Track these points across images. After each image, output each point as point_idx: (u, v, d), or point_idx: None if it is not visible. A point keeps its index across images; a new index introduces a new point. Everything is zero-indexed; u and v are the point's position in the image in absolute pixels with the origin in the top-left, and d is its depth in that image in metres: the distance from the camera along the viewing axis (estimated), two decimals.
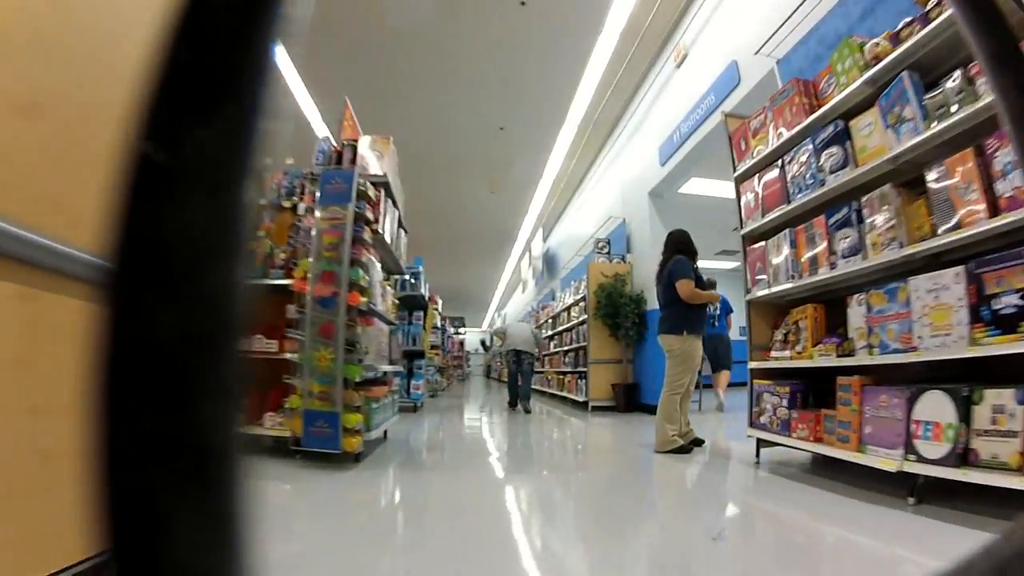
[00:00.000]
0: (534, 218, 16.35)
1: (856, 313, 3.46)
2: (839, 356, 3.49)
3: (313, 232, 4.80)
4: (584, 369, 10.05)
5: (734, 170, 4.70)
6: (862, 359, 3.32)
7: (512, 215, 16.14)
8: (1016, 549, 0.37)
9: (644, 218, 9.41)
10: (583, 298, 10.34)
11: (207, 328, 0.21)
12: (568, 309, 12.02)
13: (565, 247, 15.53)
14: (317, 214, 4.84)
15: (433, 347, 14.27)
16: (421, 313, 10.10)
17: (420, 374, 9.75)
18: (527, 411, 9.56)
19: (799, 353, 3.84)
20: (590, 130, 10.61)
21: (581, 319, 10.46)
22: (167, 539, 0.20)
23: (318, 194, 4.95)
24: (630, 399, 9.06)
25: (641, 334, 9.18)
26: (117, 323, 0.21)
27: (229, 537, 0.21)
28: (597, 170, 12.40)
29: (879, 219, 3.35)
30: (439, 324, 15.78)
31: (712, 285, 6.04)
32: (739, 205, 4.62)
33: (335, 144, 5.39)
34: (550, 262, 17.75)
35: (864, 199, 3.45)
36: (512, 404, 9.98)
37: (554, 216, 17.02)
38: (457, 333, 27.37)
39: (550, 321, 14.43)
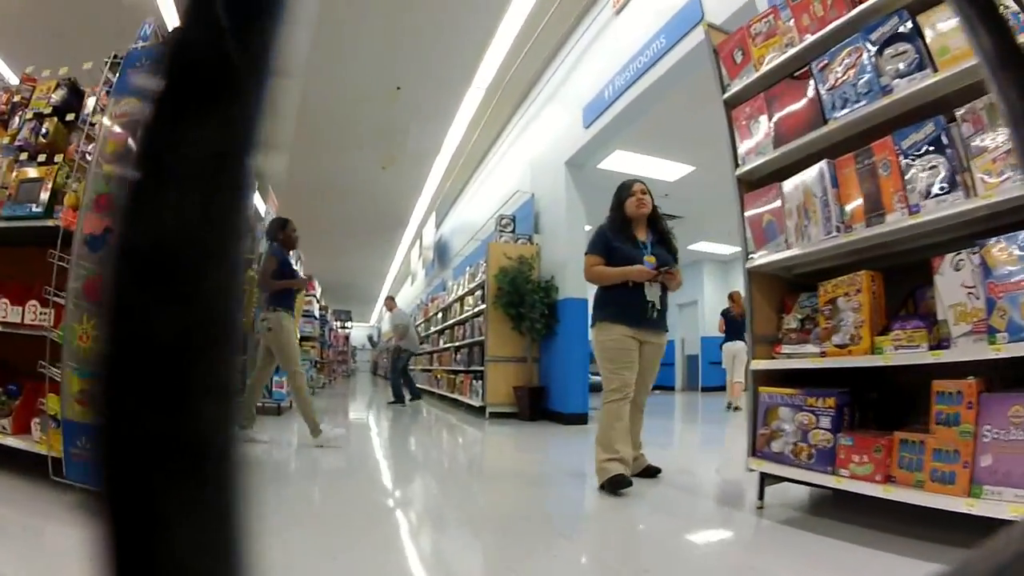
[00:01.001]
0: (428, 201, 14.70)
1: (950, 282, 2.19)
2: (931, 349, 2.20)
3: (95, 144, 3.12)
4: (480, 368, 8.60)
5: (723, 92, 3.37)
6: (971, 350, 2.06)
7: (405, 196, 14.41)
8: (1016, 550, 0.38)
9: (558, 193, 8.08)
10: (480, 285, 8.87)
11: (205, 328, 0.21)
12: (461, 299, 10.51)
13: (460, 235, 14.02)
14: (106, 114, 3.15)
15: (306, 338, 12.40)
16: None
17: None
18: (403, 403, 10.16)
19: (843, 347, 2.53)
20: (500, 94, 9.16)
21: (477, 309, 8.98)
22: (166, 538, 0.20)
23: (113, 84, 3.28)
24: (536, 405, 7.68)
25: (550, 327, 7.84)
26: (117, 323, 0.21)
27: (227, 536, 0.21)
28: (503, 143, 10.98)
29: (992, 139, 2.11)
30: (317, 313, 13.88)
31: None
32: (731, 137, 3.31)
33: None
34: (442, 251, 16.20)
35: (963, 110, 2.20)
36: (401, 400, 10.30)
37: (449, 200, 15.45)
38: (344, 327, 25.71)
39: (439, 315, 12.90)
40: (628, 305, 3.56)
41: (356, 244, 19.25)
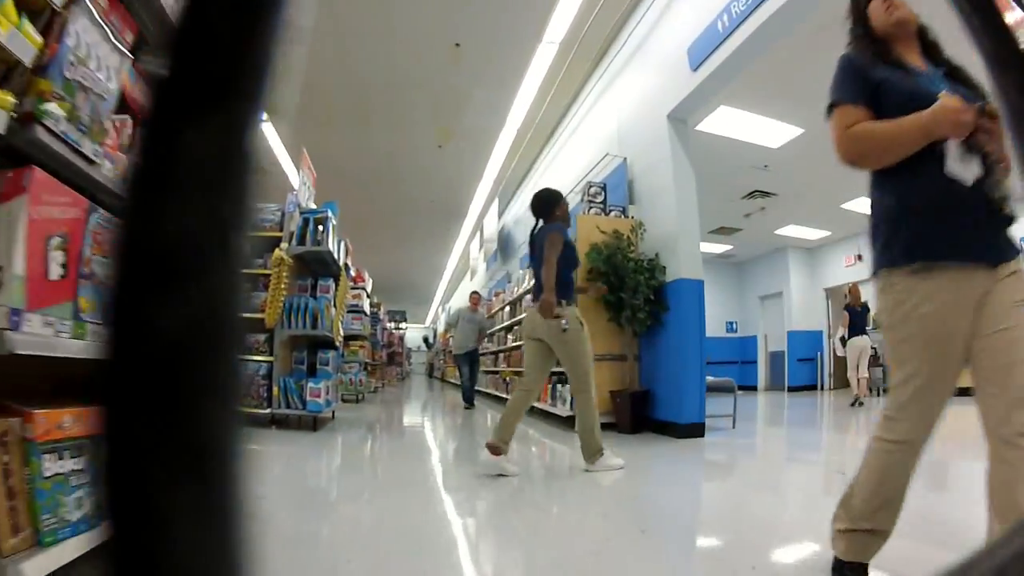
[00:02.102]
0: (490, 185, 13.26)
1: None
2: None
3: None
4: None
5: None
6: None
7: (464, 180, 13.00)
8: (1016, 550, 0.38)
9: (660, 153, 6.52)
10: None
11: (206, 327, 0.22)
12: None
13: (526, 223, 12.54)
14: None
15: (355, 337, 11.10)
16: (331, 284, 6.98)
17: (326, 372, 6.61)
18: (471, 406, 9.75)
19: None
20: (577, 48, 7.67)
21: None
22: (166, 538, 0.20)
23: None
24: (639, 414, 6.12)
25: (656, 316, 6.28)
26: (118, 322, 0.21)
27: (228, 537, 0.21)
28: (580, 109, 9.42)
29: None
30: (368, 309, 12.59)
31: None
32: None
33: None
34: (505, 242, 14.76)
35: None
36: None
37: (514, 184, 13.98)
38: (398, 328, 24.94)
39: (506, 309, 11.42)
40: (952, 209, 1.71)
41: (409, 237, 17.96)
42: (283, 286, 5.82)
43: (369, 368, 13.09)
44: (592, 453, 4.02)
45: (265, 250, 6.11)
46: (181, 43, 0.22)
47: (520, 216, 13.48)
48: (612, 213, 7.19)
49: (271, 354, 6.20)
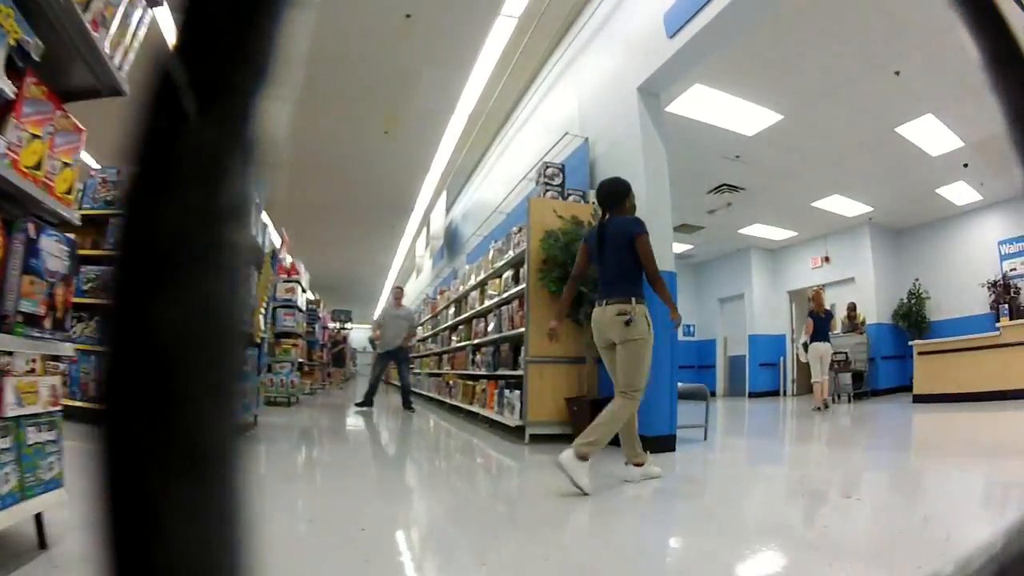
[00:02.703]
0: (438, 176, 12.34)
1: None
2: None
3: None
4: (514, 373, 6.24)
5: None
6: None
7: (411, 170, 12.02)
8: (1017, 550, 0.38)
9: (627, 130, 5.76)
10: (517, 260, 6.50)
11: (205, 328, 0.22)
12: (482, 284, 8.12)
13: (475, 218, 11.71)
14: None
15: (287, 335, 10.08)
16: (252, 272, 5.99)
17: (248, 375, 5.65)
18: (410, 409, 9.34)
19: None
20: (538, 22, 6.87)
21: (510, 293, 6.61)
22: (166, 538, 0.20)
23: None
24: None
25: None
26: (118, 322, 0.21)
27: (227, 536, 0.21)
28: (539, 89, 8.60)
29: None
30: (304, 305, 11.54)
31: None
32: None
33: None
34: (453, 238, 13.89)
35: None
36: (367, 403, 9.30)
37: (464, 174, 13.05)
38: (344, 328, 23.86)
39: (451, 308, 10.54)
40: None
41: (354, 233, 16.89)
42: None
43: (306, 368, 12.04)
44: (589, 447, 3.45)
45: None
46: (179, 41, 0.22)
47: (469, 211, 12.64)
48: (571, 198, 6.38)
49: None
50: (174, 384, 0.20)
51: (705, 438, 5.82)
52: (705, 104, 7.25)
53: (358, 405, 9.45)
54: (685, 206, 10.75)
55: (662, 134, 5.65)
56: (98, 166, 6.39)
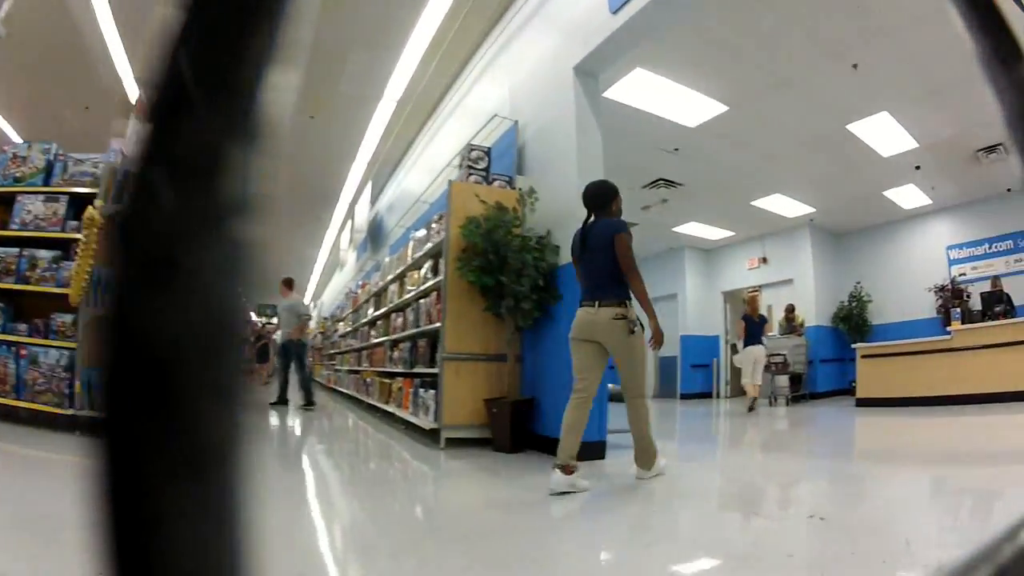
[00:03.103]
0: (364, 166, 11.64)
1: None
2: None
3: None
4: (431, 371, 5.74)
5: None
6: None
7: (337, 159, 11.28)
8: (1017, 550, 0.39)
9: (562, 112, 5.32)
10: (436, 251, 6.00)
11: (206, 328, 0.21)
12: (402, 276, 7.58)
13: (399, 209, 11.14)
14: None
15: None
16: None
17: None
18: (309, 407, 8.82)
19: None
20: (472, 4, 6.39)
21: (429, 285, 6.09)
22: (166, 538, 0.20)
23: None
24: (521, 429, 4.88)
25: (545, 307, 5.06)
26: (119, 323, 0.21)
27: (227, 537, 0.21)
28: (471, 73, 8.09)
29: None
30: None
31: None
32: None
33: None
34: (377, 231, 13.27)
35: None
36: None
37: (391, 164, 12.38)
38: (268, 323, 22.47)
39: (371, 301, 9.96)
40: None
41: (278, 222, 15.96)
42: (92, 252, 4.66)
43: None
44: (649, 459, 3.77)
45: (80, 210, 5.01)
46: (177, 41, 0.22)
47: (394, 202, 12.06)
48: (496, 183, 5.92)
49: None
50: (176, 384, 0.20)
51: None
52: (646, 91, 6.85)
53: (272, 404, 8.88)
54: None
55: (598, 118, 5.25)
56: (19, 140, 5.68)
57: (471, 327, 5.22)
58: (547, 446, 4.63)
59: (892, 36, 5.85)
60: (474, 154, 6.08)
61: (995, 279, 9.24)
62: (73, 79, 8.06)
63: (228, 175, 0.22)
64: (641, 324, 3.72)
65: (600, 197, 4.00)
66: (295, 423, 7.56)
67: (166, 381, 0.20)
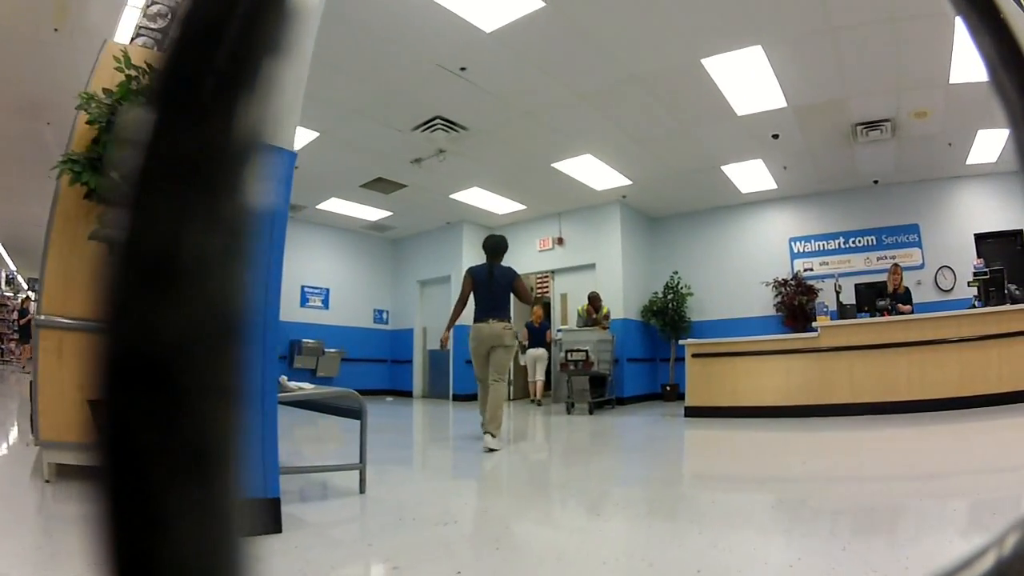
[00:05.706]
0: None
1: None
2: None
3: None
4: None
5: None
6: None
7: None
8: (1017, 550, 0.38)
9: None
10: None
11: (207, 328, 0.22)
12: None
13: None
14: None
15: None
16: None
17: None
18: None
19: None
20: None
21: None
22: (166, 539, 0.20)
23: None
24: None
25: None
26: (118, 323, 0.21)
27: (227, 537, 0.22)
28: None
29: None
30: None
31: None
32: None
33: None
34: None
35: None
36: None
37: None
38: (29, 298, 20.72)
39: None
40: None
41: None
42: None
43: None
44: (498, 427, 5.19)
45: None
46: (179, 41, 0.22)
47: None
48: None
49: None
50: (176, 384, 0.20)
51: (363, 490, 3.29)
52: None
53: None
54: (382, 150, 8.25)
55: None
56: None
57: (80, 268, 3.02)
58: None
59: None
60: (155, 8, 3.87)
61: (895, 267, 7.90)
62: None
63: (231, 176, 0.22)
64: (515, 333, 5.65)
65: (499, 250, 5.79)
66: None
67: (166, 381, 0.20)
